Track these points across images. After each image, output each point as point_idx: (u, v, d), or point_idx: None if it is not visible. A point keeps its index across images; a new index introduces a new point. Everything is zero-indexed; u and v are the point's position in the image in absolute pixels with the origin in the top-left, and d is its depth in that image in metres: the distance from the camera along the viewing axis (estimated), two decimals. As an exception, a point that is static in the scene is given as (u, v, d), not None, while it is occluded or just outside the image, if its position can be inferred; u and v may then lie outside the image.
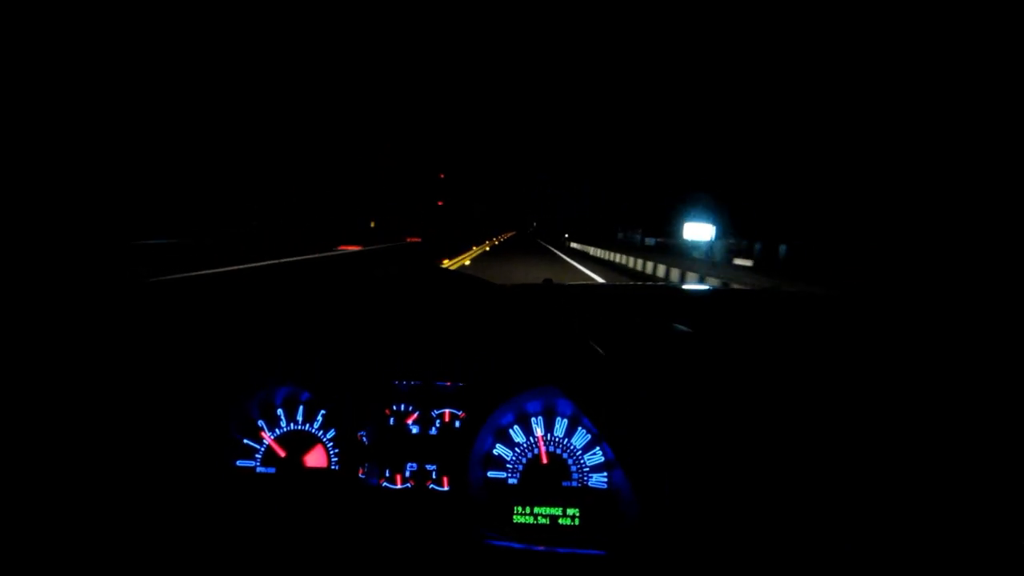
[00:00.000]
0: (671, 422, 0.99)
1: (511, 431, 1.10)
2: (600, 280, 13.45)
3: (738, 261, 18.37)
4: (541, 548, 0.88)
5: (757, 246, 19.78)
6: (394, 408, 1.13)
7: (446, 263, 17.08)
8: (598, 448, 1.08)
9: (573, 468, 1.08)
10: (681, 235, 23.95)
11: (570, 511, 1.06)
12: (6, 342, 1.06)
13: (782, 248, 17.98)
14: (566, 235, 46.27)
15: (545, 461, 1.09)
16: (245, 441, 1.13)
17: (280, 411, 1.15)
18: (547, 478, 1.08)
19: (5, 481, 0.95)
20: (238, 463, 1.12)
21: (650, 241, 35.35)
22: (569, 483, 1.08)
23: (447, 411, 1.12)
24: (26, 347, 1.07)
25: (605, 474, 1.07)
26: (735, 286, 9.47)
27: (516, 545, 0.78)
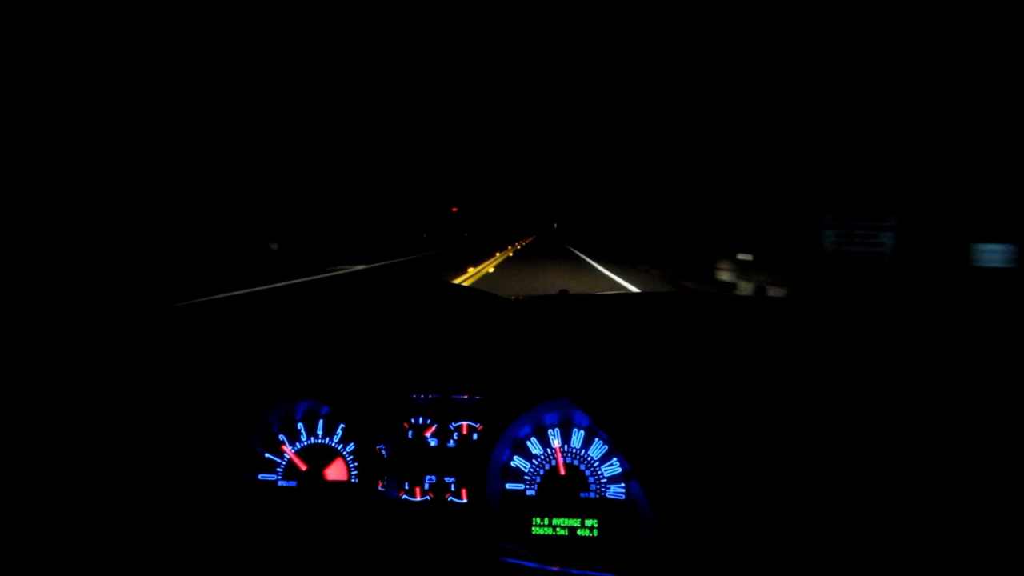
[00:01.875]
0: (686, 434, 0.98)
1: (528, 443, 1.11)
2: (630, 288, 11.76)
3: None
4: (555, 569, 0.88)
5: None
6: (412, 421, 1.14)
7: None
8: (615, 459, 1.08)
9: (591, 479, 1.08)
10: None
11: (588, 522, 1.06)
12: (37, 365, 1.10)
13: None
14: (750, 257, 9.05)
15: (563, 472, 1.09)
16: (267, 455, 1.15)
17: (300, 425, 1.17)
18: (565, 489, 1.08)
19: (33, 495, 0.98)
20: (260, 477, 1.14)
21: (997, 254, 6.98)
22: (587, 494, 1.08)
23: (464, 423, 1.13)
24: (54, 369, 1.11)
25: (623, 485, 1.07)
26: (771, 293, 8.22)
27: (531, 564, 0.79)
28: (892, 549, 0.84)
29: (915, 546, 0.84)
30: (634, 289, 11.13)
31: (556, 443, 1.10)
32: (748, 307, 1.76)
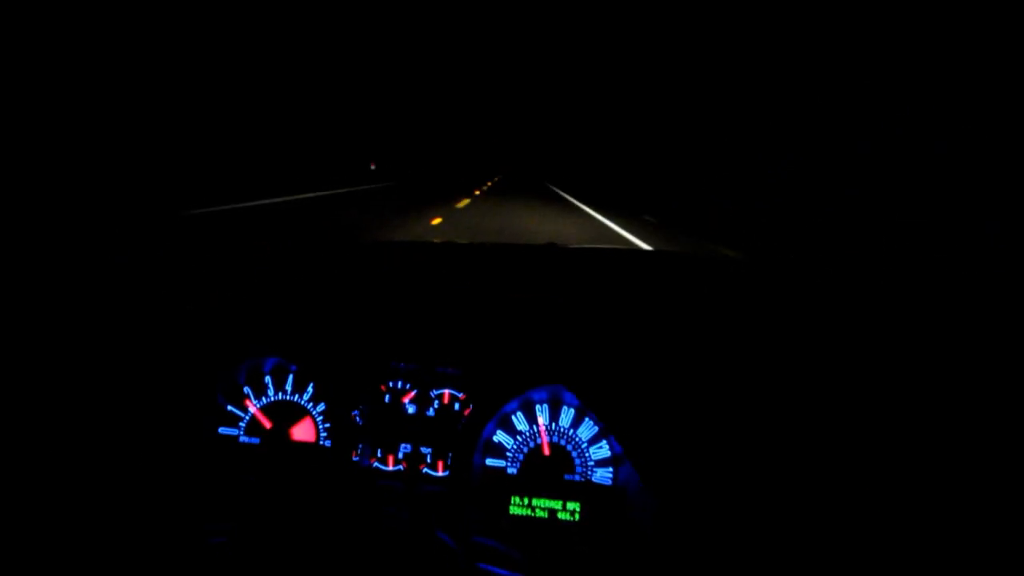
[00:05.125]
0: (687, 413, 0.92)
1: (514, 417, 1.03)
2: (630, 238, 10.32)
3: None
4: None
5: None
6: (390, 385, 1.05)
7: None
8: (604, 442, 1.01)
9: (577, 461, 1.02)
10: None
11: (571, 506, 1.00)
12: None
13: None
14: None
15: (547, 452, 1.02)
16: (229, 408, 1.06)
17: (268, 379, 1.07)
18: (548, 470, 1.01)
19: None
20: (221, 430, 1.06)
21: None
22: (571, 477, 1.01)
23: (447, 391, 1.05)
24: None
25: (610, 469, 1.01)
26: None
27: (502, 572, 0.73)
28: (891, 543, 0.80)
29: (912, 526, 0.80)
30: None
31: (542, 420, 1.03)
32: (771, 275, 1.64)
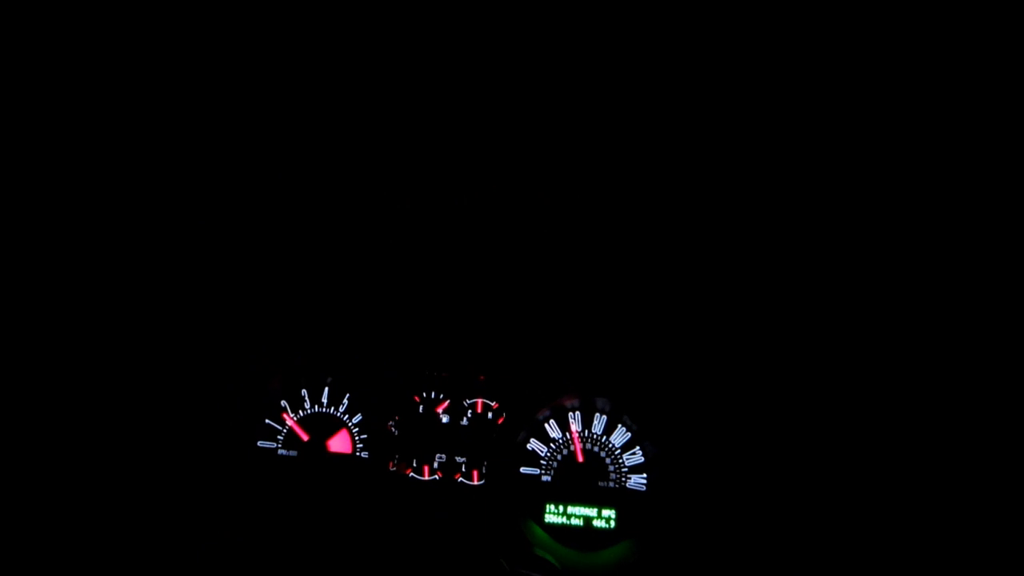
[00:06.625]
0: (718, 414, 0.92)
1: (547, 425, 1.04)
2: None
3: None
4: None
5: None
6: (424, 395, 1.07)
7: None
8: (638, 448, 1.02)
9: (611, 468, 1.02)
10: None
11: (606, 512, 1.00)
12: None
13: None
14: None
15: (581, 459, 1.03)
16: (267, 421, 1.08)
17: (304, 391, 1.09)
18: (582, 477, 1.02)
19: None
20: (259, 444, 1.08)
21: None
22: (606, 483, 1.02)
23: (480, 400, 1.06)
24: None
25: (644, 476, 1.01)
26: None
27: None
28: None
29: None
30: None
31: (575, 427, 1.04)
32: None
